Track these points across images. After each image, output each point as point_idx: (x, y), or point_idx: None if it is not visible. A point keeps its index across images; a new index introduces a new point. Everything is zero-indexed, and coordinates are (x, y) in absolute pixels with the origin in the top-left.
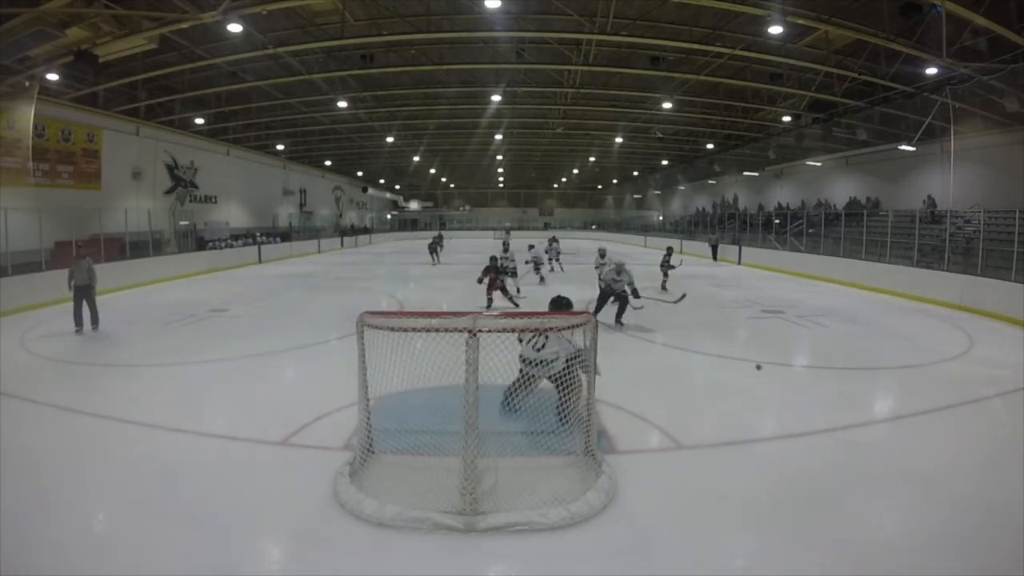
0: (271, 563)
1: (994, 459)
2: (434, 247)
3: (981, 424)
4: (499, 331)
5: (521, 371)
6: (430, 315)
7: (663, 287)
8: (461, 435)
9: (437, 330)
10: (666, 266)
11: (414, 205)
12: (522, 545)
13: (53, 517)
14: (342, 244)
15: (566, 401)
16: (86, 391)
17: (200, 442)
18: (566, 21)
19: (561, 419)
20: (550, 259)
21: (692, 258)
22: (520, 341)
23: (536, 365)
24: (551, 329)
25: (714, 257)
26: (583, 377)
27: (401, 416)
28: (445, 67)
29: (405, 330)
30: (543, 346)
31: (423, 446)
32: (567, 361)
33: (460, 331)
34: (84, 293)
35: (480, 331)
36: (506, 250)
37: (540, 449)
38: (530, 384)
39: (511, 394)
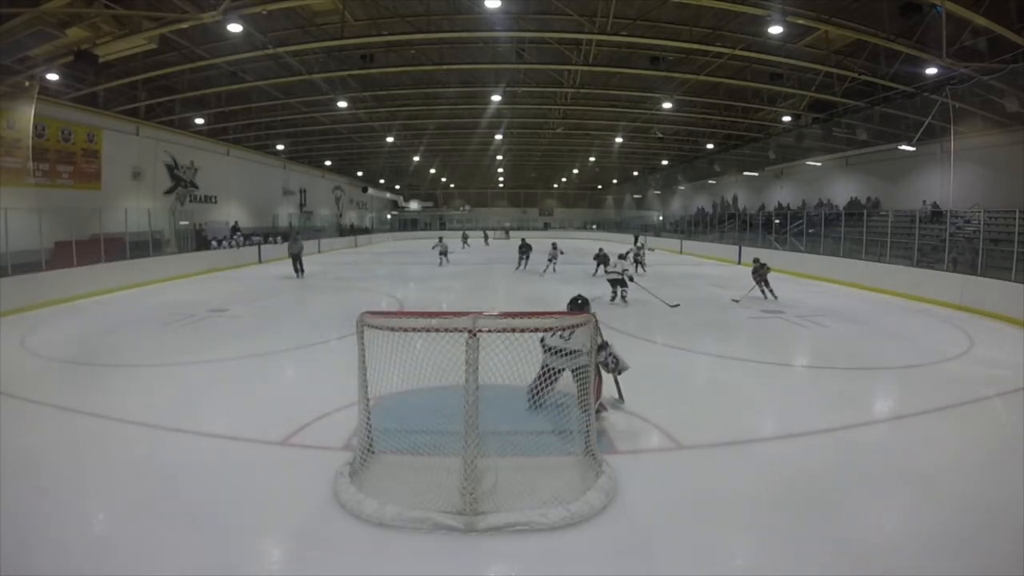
0: (271, 563)
1: (994, 459)
2: (442, 250)
3: (981, 424)
4: (499, 331)
5: (544, 364)
6: (430, 315)
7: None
8: (461, 435)
9: (437, 330)
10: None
11: (414, 205)
12: (522, 545)
13: (53, 517)
14: (356, 243)
15: (585, 395)
16: (86, 391)
17: (200, 442)
18: (566, 21)
19: (583, 409)
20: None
21: (694, 258)
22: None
23: (563, 356)
24: (550, 329)
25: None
26: (593, 376)
27: (401, 416)
28: (445, 67)
29: (405, 330)
30: (571, 335)
31: (423, 446)
32: (590, 354)
33: (460, 331)
34: None
35: (480, 331)
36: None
37: (540, 449)
38: (555, 378)
39: (536, 390)
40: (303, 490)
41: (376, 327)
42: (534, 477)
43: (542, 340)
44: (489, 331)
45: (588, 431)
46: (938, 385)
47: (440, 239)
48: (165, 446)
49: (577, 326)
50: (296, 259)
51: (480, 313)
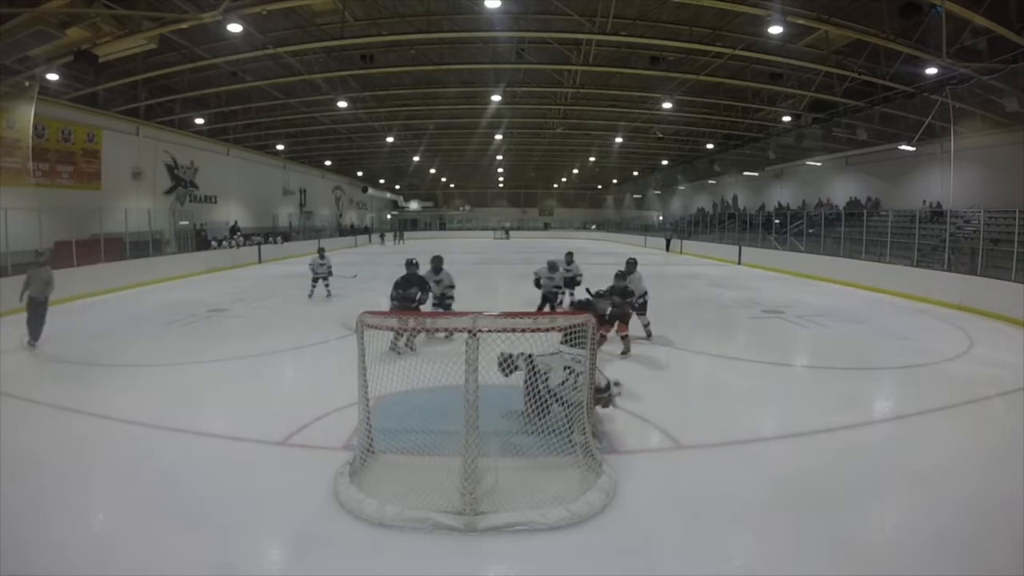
0: (271, 563)
1: (994, 459)
2: (321, 273)
3: (981, 424)
4: (499, 331)
5: (544, 400)
6: (430, 315)
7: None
8: (461, 435)
9: (437, 330)
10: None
11: (414, 205)
12: (522, 545)
13: (53, 517)
14: (372, 240)
15: (580, 418)
16: (86, 391)
17: (200, 442)
18: (566, 21)
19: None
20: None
21: (694, 258)
22: (548, 376)
23: (562, 404)
24: (552, 329)
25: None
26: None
27: (401, 416)
28: (445, 67)
29: (405, 330)
30: (577, 380)
31: (423, 446)
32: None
33: (460, 331)
34: None
35: (480, 331)
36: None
37: (540, 449)
38: (547, 410)
39: (532, 417)
40: (303, 490)
41: (376, 327)
42: (534, 477)
43: (546, 378)
44: (489, 331)
45: (586, 431)
46: (938, 385)
47: (321, 252)
48: (165, 446)
49: (579, 373)
50: (35, 309)
51: (480, 313)
